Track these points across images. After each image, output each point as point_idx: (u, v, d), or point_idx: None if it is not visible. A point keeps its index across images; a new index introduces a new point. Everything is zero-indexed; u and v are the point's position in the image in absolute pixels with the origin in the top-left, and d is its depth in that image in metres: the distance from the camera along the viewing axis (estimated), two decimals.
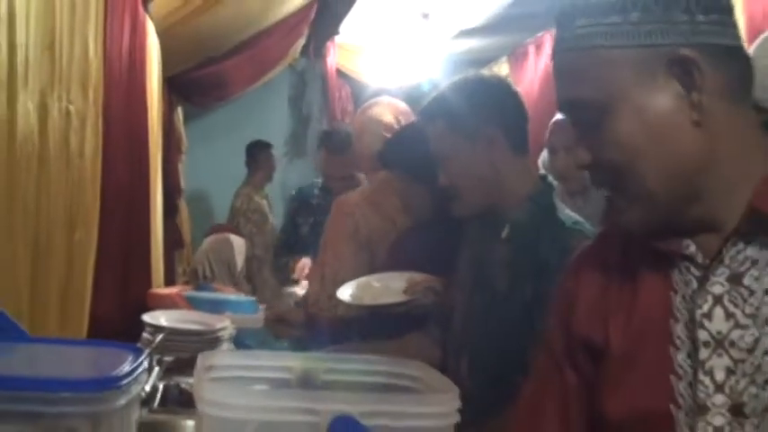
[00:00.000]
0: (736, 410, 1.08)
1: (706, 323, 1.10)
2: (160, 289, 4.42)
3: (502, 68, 6.75)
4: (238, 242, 5.85)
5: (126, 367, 0.95)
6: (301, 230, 4.85)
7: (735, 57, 1.12)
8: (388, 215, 2.68)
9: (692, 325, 1.12)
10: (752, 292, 1.08)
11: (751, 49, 1.81)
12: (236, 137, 7.09)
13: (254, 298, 4.09)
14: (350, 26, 6.79)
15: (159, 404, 2.06)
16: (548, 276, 1.78)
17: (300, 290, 4.66)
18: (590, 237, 1.69)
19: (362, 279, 2.43)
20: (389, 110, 3.04)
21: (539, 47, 6.12)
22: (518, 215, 1.94)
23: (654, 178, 1.11)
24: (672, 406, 1.12)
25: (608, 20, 1.09)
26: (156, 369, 2.25)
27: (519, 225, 1.93)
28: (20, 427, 0.87)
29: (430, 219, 2.51)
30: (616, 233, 1.29)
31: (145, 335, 2.58)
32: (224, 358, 1.25)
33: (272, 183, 7.04)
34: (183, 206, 6.38)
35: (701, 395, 1.10)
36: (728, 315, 1.09)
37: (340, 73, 7.90)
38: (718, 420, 1.08)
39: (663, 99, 1.10)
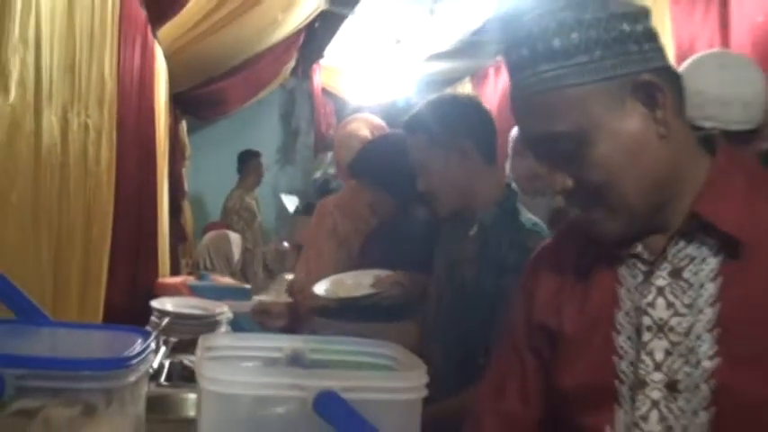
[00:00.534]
0: (672, 386, 1.08)
1: (650, 311, 1.11)
2: (166, 278, 4.41)
3: (465, 88, 6.75)
4: (235, 237, 5.88)
5: (136, 348, 0.95)
6: None
7: (675, 76, 1.14)
8: (359, 217, 2.67)
9: (636, 312, 1.13)
10: (690, 285, 1.09)
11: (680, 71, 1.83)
12: (234, 147, 7.08)
13: (248, 286, 4.08)
14: (333, 50, 6.82)
15: (165, 379, 2.06)
16: (509, 271, 1.78)
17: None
18: (546, 237, 1.70)
19: (335, 276, 2.43)
20: (366, 125, 3.04)
21: (497, 69, 6.13)
22: (485, 217, 1.94)
23: (633, 192, 1.11)
24: (616, 381, 1.13)
25: (573, 61, 1.08)
26: (163, 349, 2.25)
27: (486, 225, 1.93)
28: (44, 400, 0.87)
29: (394, 221, 2.52)
30: (571, 235, 1.29)
31: (153, 318, 2.57)
32: (221, 340, 1.25)
33: (260, 186, 7.09)
34: (186, 206, 6.36)
35: (642, 372, 1.10)
36: (669, 304, 1.10)
37: (325, 91, 7.90)
38: (656, 394, 1.09)
39: (632, 121, 1.09)
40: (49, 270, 2.12)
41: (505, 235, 1.88)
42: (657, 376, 1.09)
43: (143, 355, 0.95)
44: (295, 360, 1.20)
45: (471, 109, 2.03)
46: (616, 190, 1.11)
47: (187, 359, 2.22)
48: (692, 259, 1.10)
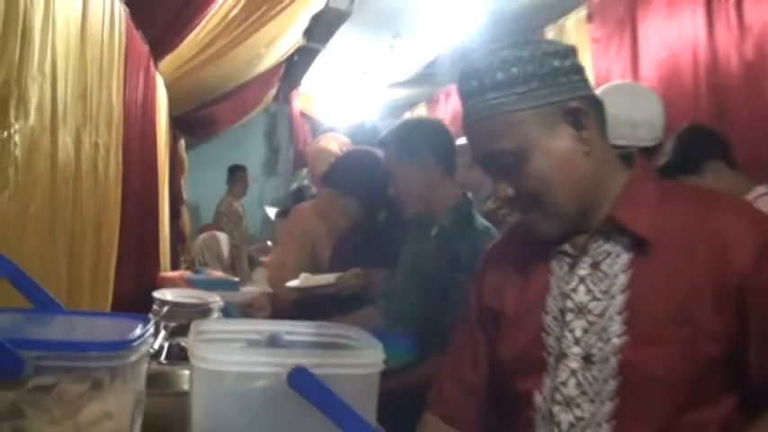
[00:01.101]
0: (587, 358, 1.10)
1: (572, 295, 1.14)
2: (167, 273, 4.37)
3: (421, 111, 6.79)
4: (223, 238, 5.90)
5: (137, 332, 0.95)
6: None
7: (598, 103, 1.16)
8: (331, 221, 2.68)
9: (561, 297, 1.15)
10: (606, 275, 1.12)
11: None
12: (224, 162, 7.07)
13: (237, 279, 4.05)
14: (309, 80, 6.83)
15: (165, 358, 2.04)
16: (463, 265, 1.81)
17: None
18: (495, 238, 1.72)
19: (307, 274, 2.45)
20: (334, 141, 3.06)
21: (447, 95, 6.20)
22: (444, 220, 1.96)
23: (564, 199, 1.13)
24: (544, 353, 1.15)
25: (514, 90, 1.10)
26: (163, 332, 2.23)
27: (444, 227, 1.95)
28: (58, 377, 0.86)
29: (361, 224, 2.52)
30: (514, 235, 1.32)
31: (155, 307, 2.55)
32: (211, 324, 1.24)
33: (248, 196, 7.13)
34: (184, 211, 6.32)
35: (564, 346, 1.12)
36: (588, 290, 1.12)
37: (302, 114, 7.89)
38: (574, 364, 1.11)
39: (562, 140, 1.12)
40: (65, 268, 2.09)
41: (461, 235, 1.91)
42: (576, 350, 1.11)
43: (142, 338, 0.95)
44: (273, 341, 1.20)
45: (433, 130, 2.05)
46: (549, 198, 1.13)
47: (183, 341, 2.20)
48: (609, 254, 1.13)
